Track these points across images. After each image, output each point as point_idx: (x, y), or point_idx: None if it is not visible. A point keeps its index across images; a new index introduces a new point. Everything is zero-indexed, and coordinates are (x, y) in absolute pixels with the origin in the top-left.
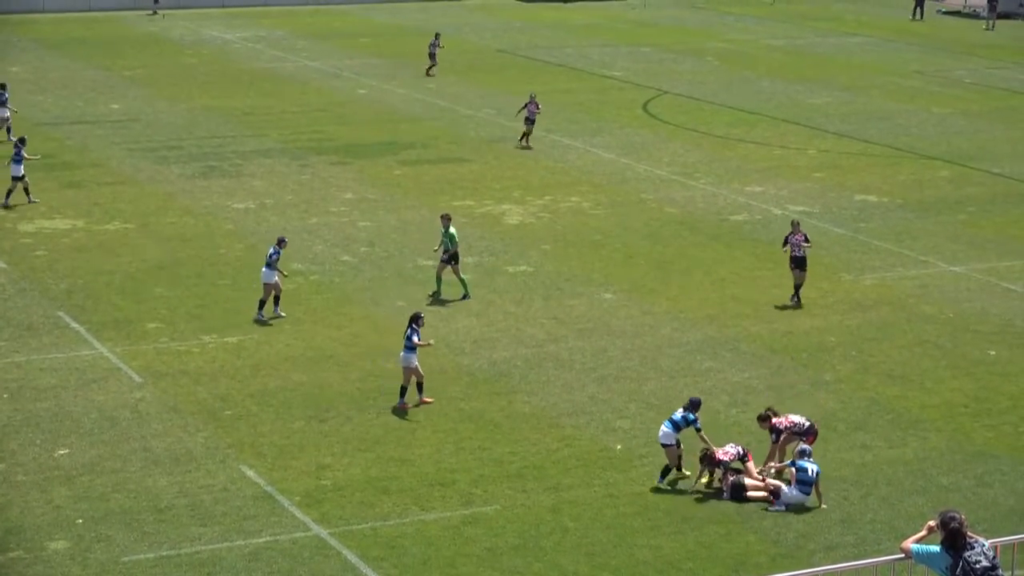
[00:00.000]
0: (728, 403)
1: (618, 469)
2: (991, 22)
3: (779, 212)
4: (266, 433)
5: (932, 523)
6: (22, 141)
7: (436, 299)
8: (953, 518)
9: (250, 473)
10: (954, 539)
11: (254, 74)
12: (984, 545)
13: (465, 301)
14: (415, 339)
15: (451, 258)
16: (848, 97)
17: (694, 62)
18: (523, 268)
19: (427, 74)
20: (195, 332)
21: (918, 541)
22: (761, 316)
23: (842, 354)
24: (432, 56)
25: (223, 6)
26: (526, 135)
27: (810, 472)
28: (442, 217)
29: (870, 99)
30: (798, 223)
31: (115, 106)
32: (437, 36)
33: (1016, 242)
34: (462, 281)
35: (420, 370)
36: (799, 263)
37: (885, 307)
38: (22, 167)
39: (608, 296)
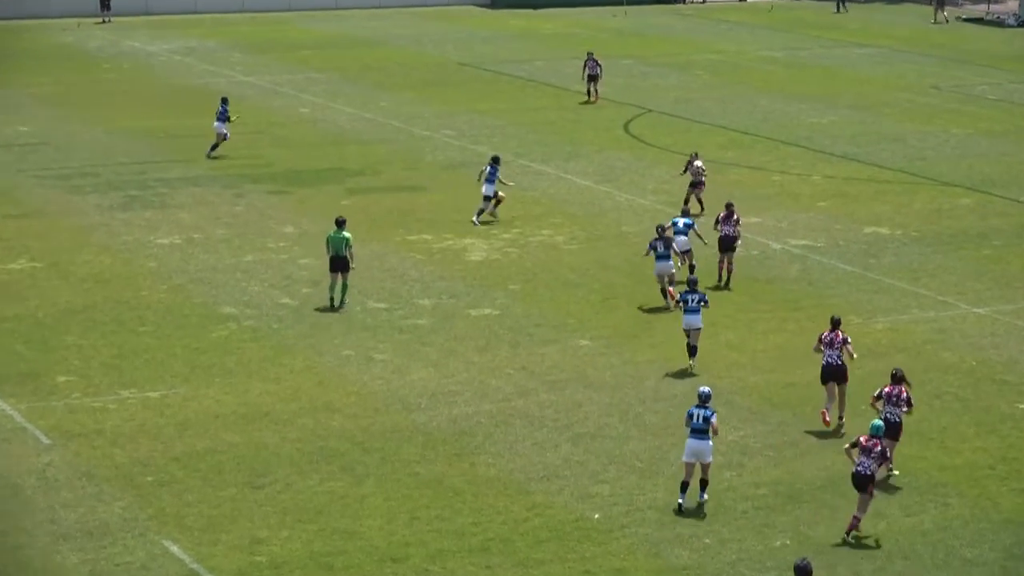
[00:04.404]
0: (722, 464)
1: (596, 542)
2: (842, 4)
3: (778, 247)
4: (193, 502)
5: None
6: (496, 161)
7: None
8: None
9: (174, 548)
10: None
11: (181, 91)
12: None
13: (422, 348)
14: (675, 246)
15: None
16: (856, 116)
17: (682, 76)
18: (487, 311)
19: (592, 101)
20: (112, 386)
21: None
22: (759, 365)
23: (851, 408)
24: (592, 79)
25: (147, 13)
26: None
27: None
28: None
29: (881, 118)
30: (839, 320)
31: (23, 128)
32: (591, 55)
33: None
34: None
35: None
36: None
37: (899, 355)
38: (493, 187)
39: (584, 343)
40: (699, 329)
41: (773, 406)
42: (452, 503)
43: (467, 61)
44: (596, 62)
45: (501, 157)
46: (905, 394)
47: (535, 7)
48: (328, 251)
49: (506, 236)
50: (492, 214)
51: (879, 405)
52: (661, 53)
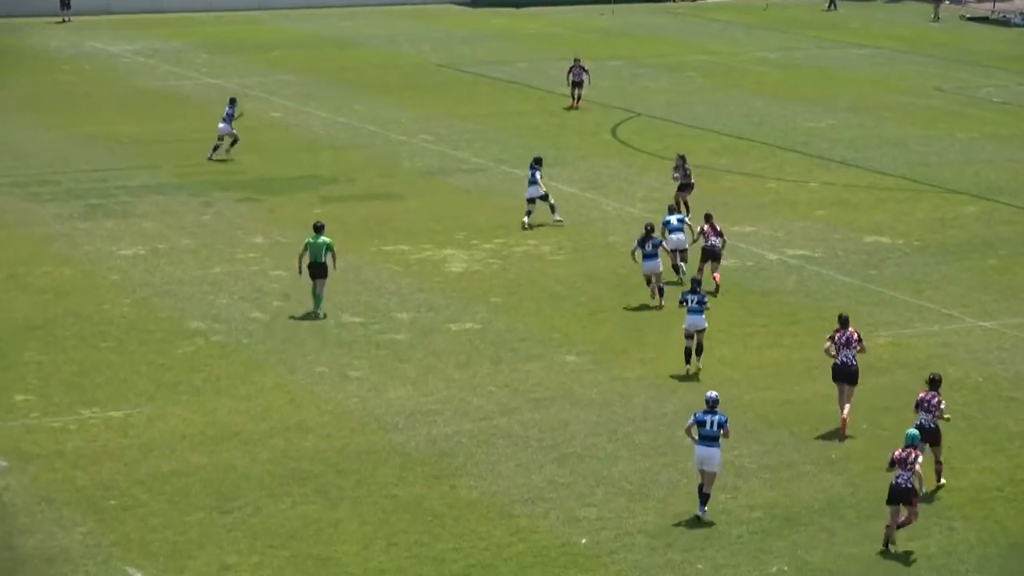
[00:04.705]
0: (715, 487)
1: (583, 568)
2: (833, 3)
3: (774, 257)
4: (158, 527)
5: None
6: (538, 162)
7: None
8: None
9: None
10: None
11: (145, 94)
12: None
13: (399, 366)
14: (664, 244)
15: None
16: (855, 120)
17: (672, 78)
18: (468, 326)
19: (575, 107)
20: (73, 405)
21: None
22: (753, 382)
23: (851, 427)
24: (577, 85)
25: (108, 12)
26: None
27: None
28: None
29: (881, 122)
30: (847, 318)
31: None
32: (577, 62)
33: None
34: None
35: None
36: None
37: (901, 370)
38: (539, 187)
39: (571, 359)
40: (703, 329)
41: (769, 425)
42: (431, 528)
43: (446, 62)
44: (582, 68)
45: (543, 158)
46: (937, 399)
47: (517, 5)
48: (306, 258)
49: (488, 246)
50: (556, 221)
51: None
52: (651, 54)
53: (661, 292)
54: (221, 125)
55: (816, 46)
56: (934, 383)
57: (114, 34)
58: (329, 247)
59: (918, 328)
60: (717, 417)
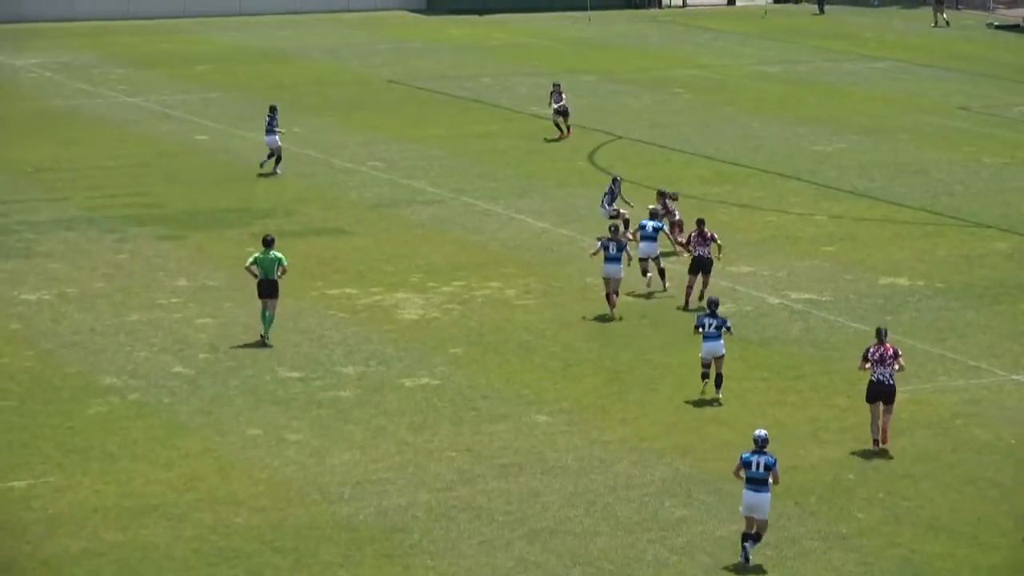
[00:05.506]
0: (708, 566)
1: None
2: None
3: (776, 301)
4: None
5: None
6: (616, 182)
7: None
8: None
9: None
10: None
11: (52, 114)
12: None
13: (345, 426)
14: (627, 250)
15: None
16: (868, 143)
17: (657, 96)
18: (424, 381)
19: (565, 136)
20: None
21: None
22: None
23: (865, 497)
24: (562, 114)
25: (10, 20)
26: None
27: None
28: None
29: (898, 145)
30: (885, 331)
31: None
32: (557, 86)
33: None
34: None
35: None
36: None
37: (923, 431)
38: (608, 210)
39: (542, 419)
40: (722, 356)
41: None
42: None
43: (398, 78)
44: (562, 94)
45: (621, 178)
46: None
47: (480, 13)
48: (258, 274)
49: (446, 290)
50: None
51: None
52: (633, 68)
53: (615, 296)
54: (266, 138)
55: (822, 58)
56: None
57: (17, 45)
58: (280, 262)
59: (942, 382)
60: (764, 459)
